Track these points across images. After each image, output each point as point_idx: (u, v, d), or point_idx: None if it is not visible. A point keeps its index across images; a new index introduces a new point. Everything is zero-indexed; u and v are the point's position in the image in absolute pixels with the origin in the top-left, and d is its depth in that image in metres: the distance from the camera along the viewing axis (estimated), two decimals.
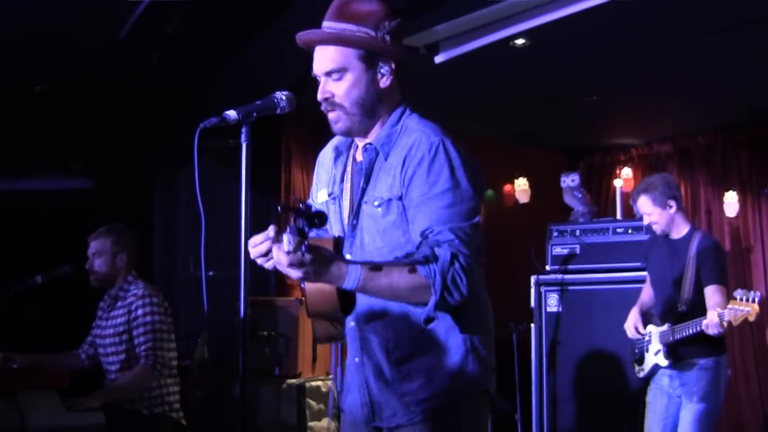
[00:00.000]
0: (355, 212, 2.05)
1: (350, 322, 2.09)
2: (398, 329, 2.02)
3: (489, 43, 4.73)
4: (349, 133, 2.06)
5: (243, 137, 1.90)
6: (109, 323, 3.84)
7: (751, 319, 3.62)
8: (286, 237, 1.74)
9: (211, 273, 4.87)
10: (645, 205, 4.03)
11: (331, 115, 2.03)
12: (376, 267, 1.88)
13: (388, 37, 2.00)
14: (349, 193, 2.10)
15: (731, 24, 4.53)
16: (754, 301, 3.61)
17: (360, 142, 2.11)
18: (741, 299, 3.63)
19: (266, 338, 5.03)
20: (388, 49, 2.01)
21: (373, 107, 2.03)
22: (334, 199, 2.14)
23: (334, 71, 2.01)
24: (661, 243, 4.12)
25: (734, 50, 4.93)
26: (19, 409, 3.43)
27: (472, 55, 4.85)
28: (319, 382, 5.15)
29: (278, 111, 1.98)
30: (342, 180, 2.12)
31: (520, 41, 4.76)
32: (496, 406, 2.15)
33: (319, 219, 1.73)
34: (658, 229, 4.06)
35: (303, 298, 1.99)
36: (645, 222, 4.14)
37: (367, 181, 2.03)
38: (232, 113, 1.90)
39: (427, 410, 2.00)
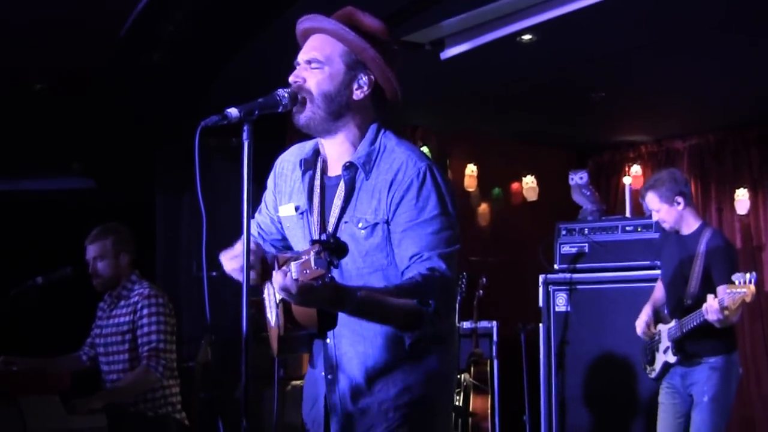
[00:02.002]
0: (333, 231, 2.02)
1: (327, 339, 2.07)
2: (377, 346, 2.02)
3: (495, 38, 4.68)
4: (307, 127, 2.03)
5: (244, 135, 1.87)
6: (111, 322, 3.79)
7: (748, 299, 3.59)
8: (294, 265, 1.71)
9: (213, 274, 4.81)
10: (652, 201, 3.99)
11: (295, 106, 2.01)
12: (372, 294, 1.87)
13: (379, 55, 2.00)
14: (318, 209, 2.07)
15: (742, 19, 4.47)
16: (750, 282, 3.59)
17: (330, 155, 2.08)
18: (738, 282, 3.62)
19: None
20: (374, 63, 2.00)
21: (339, 109, 2.01)
22: (301, 214, 2.11)
23: (314, 61, 2.00)
24: (672, 239, 4.08)
25: (745, 46, 4.88)
26: (19, 413, 3.40)
27: (478, 51, 4.81)
28: None
29: (280, 109, 1.95)
30: (310, 195, 2.09)
31: (527, 37, 4.71)
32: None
33: (343, 251, 1.68)
34: (666, 226, 4.02)
35: (278, 312, 1.93)
36: (654, 219, 4.10)
37: (347, 200, 2.02)
38: (233, 111, 1.87)
39: (405, 415, 2.01)
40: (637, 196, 5.81)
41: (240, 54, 4.87)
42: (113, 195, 5.97)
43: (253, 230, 2.26)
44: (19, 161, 6.10)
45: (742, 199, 6.45)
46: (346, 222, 2.02)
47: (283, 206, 2.16)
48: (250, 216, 1.85)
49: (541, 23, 4.45)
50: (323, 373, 2.08)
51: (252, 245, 2.06)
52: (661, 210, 3.97)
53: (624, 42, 4.86)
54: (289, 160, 2.18)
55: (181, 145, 5.36)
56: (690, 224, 3.99)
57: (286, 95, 1.95)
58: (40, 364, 3.81)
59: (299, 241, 2.12)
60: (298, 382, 5.00)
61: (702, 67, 5.30)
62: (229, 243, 2.17)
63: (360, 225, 1.99)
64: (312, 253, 1.66)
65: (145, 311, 3.69)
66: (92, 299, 4.05)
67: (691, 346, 3.87)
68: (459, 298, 5.15)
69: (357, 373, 2.03)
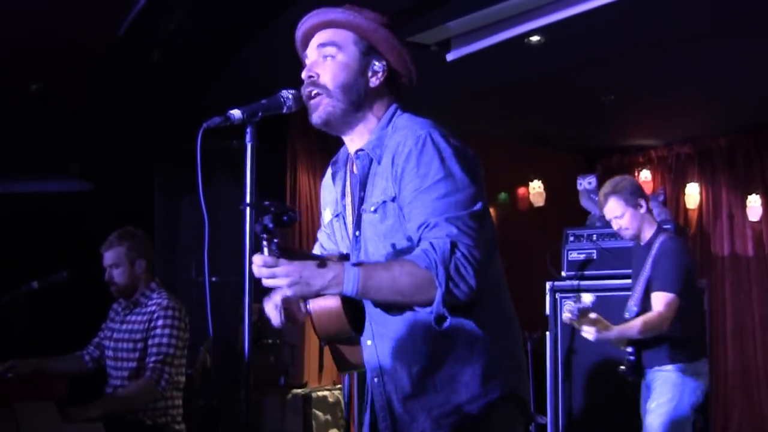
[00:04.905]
0: (356, 223, 2.00)
1: (367, 341, 2.01)
2: (417, 341, 1.93)
3: (503, 40, 4.65)
4: (327, 123, 1.99)
5: (248, 138, 1.85)
6: (125, 327, 3.74)
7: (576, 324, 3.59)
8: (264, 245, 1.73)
9: (214, 279, 4.73)
10: (616, 207, 3.81)
11: (312, 102, 1.97)
12: (373, 265, 1.83)
13: (390, 33, 1.98)
14: (350, 207, 2.06)
15: (754, 21, 4.43)
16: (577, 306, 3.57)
17: (353, 152, 2.05)
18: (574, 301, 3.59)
19: (271, 346, 4.91)
20: (387, 44, 1.97)
21: (359, 99, 1.98)
22: (338, 216, 2.10)
23: (327, 45, 1.98)
24: (636, 249, 3.95)
25: (757, 48, 4.84)
26: (14, 420, 3.34)
27: (485, 53, 4.77)
28: (326, 392, 5.04)
29: (284, 110, 1.92)
30: (343, 196, 2.08)
31: (535, 38, 4.68)
32: (529, 413, 2.05)
33: (289, 216, 1.69)
34: (628, 234, 3.84)
35: (312, 323, 1.92)
36: (614, 227, 3.90)
37: (363, 189, 1.99)
38: (236, 113, 1.84)
39: (456, 422, 1.92)
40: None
41: (242, 53, 4.83)
42: (111, 198, 5.91)
43: (317, 250, 2.24)
44: (15, 163, 6.05)
45: (754, 206, 6.41)
46: (364, 210, 1.97)
47: (324, 213, 2.16)
48: (253, 220, 1.81)
49: (549, 24, 4.41)
50: (374, 379, 2.02)
51: None
52: (626, 215, 3.80)
53: (634, 44, 4.82)
54: (329, 170, 2.17)
55: (181, 147, 5.29)
56: (647, 231, 3.83)
57: (290, 96, 1.91)
58: (40, 364, 3.76)
59: (340, 244, 2.10)
60: (298, 391, 4.94)
61: (713, 70, 5.27)
62: (228, 248, 2.15)
63: (372, 208, 1.95)
64: (257, 223, 1.69)
65: (160, 322, 3.63)
66: (91, 304, 3.98)
67: (647, 357, 3.74)
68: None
69: (402, 373, 1.96)
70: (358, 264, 1.81)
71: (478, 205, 1.86)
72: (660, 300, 3.63)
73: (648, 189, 6.43)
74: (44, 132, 5.82)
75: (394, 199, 1.91)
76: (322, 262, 1.78)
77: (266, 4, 4.24)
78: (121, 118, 5.62)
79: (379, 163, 1.95)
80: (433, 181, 1.85)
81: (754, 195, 6.42)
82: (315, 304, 1.85)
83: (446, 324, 1.86)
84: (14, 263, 5.17)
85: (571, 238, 5.41)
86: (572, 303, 3.60)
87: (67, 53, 4.72)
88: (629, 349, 3.80)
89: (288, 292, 1.76)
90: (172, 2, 4.21)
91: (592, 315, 3.59)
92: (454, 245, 1.80)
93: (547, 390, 5.24)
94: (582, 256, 5.33)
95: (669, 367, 3.70)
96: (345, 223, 2.06)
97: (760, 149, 6.46)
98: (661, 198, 5.58)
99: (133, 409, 3.59)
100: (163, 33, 4.53)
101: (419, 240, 1.86)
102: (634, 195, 3.79)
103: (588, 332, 3.62)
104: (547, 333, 5.28)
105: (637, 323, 3.65)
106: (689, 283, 3.69)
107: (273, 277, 1.74)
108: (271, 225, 1.66)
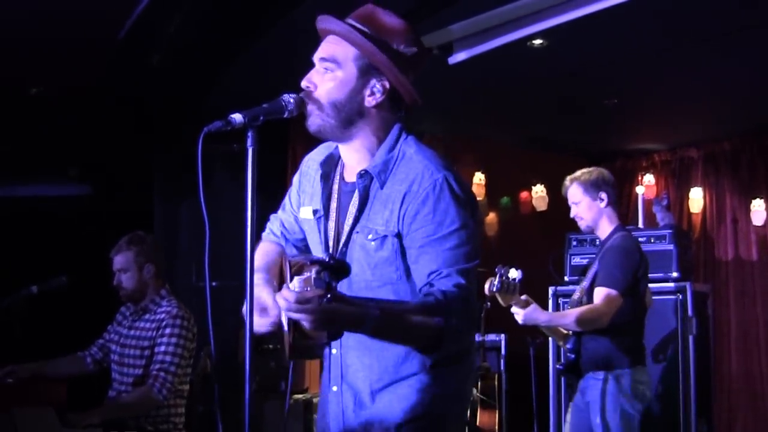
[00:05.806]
0: (345, 240, 2.00)
1: (332, 349, 2.04)
2: (383, 357, 1.98)
3: (505, 43, 4.64)
4: (318, 133, 2.00)
5: (249, 142, 1.82)
6: (132, 333, 3.73)
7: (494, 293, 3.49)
8: (297, 280, 1.69)
9: (214, 283, 4.70)
10: (575, 194, 3.77)
11: (307, 110, 1.97)
12: (391, 311, 1.83)
13: (389, 60, 1.93)
14: (335, 215, 2.05)
15: (759, 24, 4.42)
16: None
17: (347, 161, 2.06)
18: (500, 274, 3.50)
19: (271, 352, 4.88)
20: (385, 68, 1.94)
21: (349, 118, 1.97)
22: (318, 219, 2.08)
23: (327, 60, 1.96)
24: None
25: (762, 51, 4.83)
26: (14, 426, 3.32)
27: (487, 56, 4.76)
28: None
29: (286, 114, 1.91)
30: (327, 200, 2.07)
31: (537, 41, 4.68)
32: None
33: (345, 272, 1.68)
34: (583, 224, 3.78)
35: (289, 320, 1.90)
36: (571, 214, 3.85)
37: (361, 210, 1.98)
38: (237, 116, 1.82)
39: None
40: (650, 205, 5.72)
41: (242, 56, 4.83)
42: (110, 202, 5.91)
43: (276, 229, 2.24)
44: (14, 167, 6.05)
45: (758, 210, 6.38)
46: (357, 232, 1.97)
47: (303, 207, 2.13)
48: (254, 224, 1.81)
49: (552, 28, 4.39)
50: (333, 387, 2.05)
51: (275, 254, 2.05)
52: (582, 203, 3.75)
53: (637, 47, 4.82)
54: (314, 160, 2.14)
55: (180, 151, 5.27)
56: (605, 228, 3.76)
57: (291, 101, 1.90)
58: (39, 368, 3.76)
59: (315, 246, 2.09)
60: (299, 396, 4.91)
61: (717, 73, 5.26)
62: (229, 252, 2.13)
63: (370, 236, 1.95)
64: (313, 271, 1.65)
65: (168, 330, 3.62)
66: (91, 308, 3.97)
67: (584, 362, 3.66)
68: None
69: (362, 386, 2.00)
70: (377, 307, 1.80)
71: (477, 260, 1.93)
72: (600, 295, 3.56)
73: (651, 193, 6.41)
74: (44, 135, 5.82)
75: (396, 235, 1.93)
76: (348, 303, 1.77)
77: (267, 7, 4.23)
78: (121, 121, 5.62)
79: (381, 187, 1.96)
80: (449, 231, 1.89)
81: (758, 199, 6.39)
82: None
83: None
84: (13, 267, 5.17)
85: (574, 243, 5.40)
86: (497, 275, 3.51)
87: (67, 56, 4.71)
88: (568, 346, 3.73)
89: (308, 327, 1.75)
90: (173, 5, 4.20)
91: (523, 297, 3.53)
92: (465, 301, 1.87)
93: (550, 396, 5.21)
94: (585, 261, 5.29)
95: (602, 375, 3.60)
96: (325, 228, 2.05)
97: (764, 153, 6.43)
98: (665, 202, 5.55)
99: (135, 416, 3.58)
100: (163, 36, 4.52)
101: (426, 284, 1.89)
102: (596, 187, 3.73)
103: (516, 313, 3.56)
104: (550, 338, 5.25)
105: (573, 312, 3.61)
106: (634, 286, 3.62)
107: (301, 312, 1.70)
108: (334, 283, 1.64)
